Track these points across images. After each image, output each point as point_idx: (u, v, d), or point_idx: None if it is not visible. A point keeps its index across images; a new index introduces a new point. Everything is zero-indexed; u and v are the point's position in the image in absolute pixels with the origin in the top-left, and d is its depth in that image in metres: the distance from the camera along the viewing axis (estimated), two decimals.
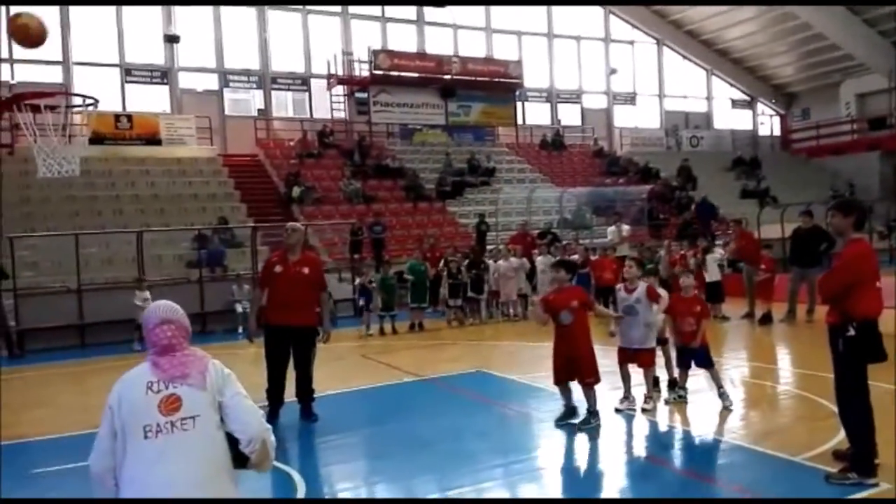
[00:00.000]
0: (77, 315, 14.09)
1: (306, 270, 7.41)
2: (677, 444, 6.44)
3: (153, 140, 22.60)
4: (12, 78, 22.11)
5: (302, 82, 26.49)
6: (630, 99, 32.73)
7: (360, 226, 18.04)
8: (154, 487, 2.63)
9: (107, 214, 18.87)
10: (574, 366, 6.55)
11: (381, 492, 5.48)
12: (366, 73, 25.36)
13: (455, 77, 26.39)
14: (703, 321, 7.04)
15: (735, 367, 9.19)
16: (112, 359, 12.05)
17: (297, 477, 5.61)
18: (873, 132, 32.14)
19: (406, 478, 5.64)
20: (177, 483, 2.64)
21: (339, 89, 26.02)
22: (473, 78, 26.80)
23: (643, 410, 7.04)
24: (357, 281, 12.77)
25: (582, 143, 30.27)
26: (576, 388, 6.68)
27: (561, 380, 6.69)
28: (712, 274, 12.73)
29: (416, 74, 26.10)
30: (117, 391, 2.85)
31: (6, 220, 17.38)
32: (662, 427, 6.86)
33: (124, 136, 22.30)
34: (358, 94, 25.98)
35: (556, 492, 5.38)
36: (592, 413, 6.55)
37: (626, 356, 7.11)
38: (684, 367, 7.24)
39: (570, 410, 6.71)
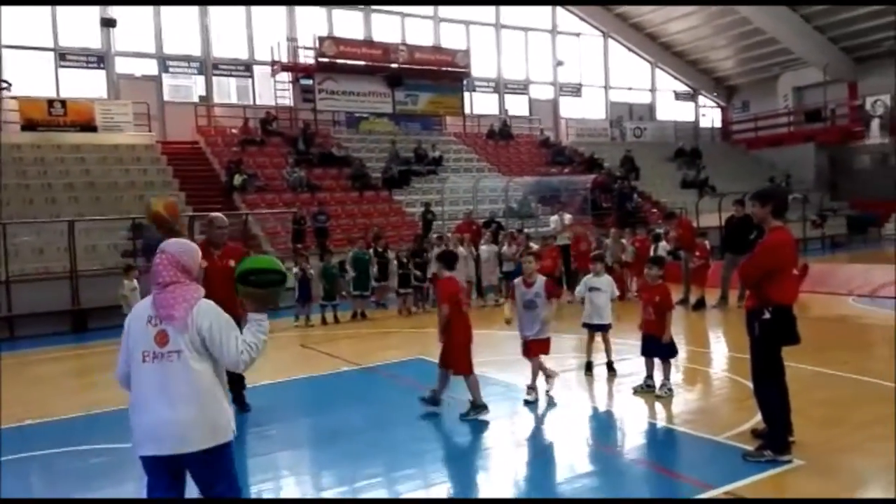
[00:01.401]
0: (5, 307, 13.58)
1: (232, 263, 7.17)
2: (600, 427, 6.56)
3: (88, 127, 21.88)
4: None
5: (245, 68, 25.98)
6: (576, 90, 33.06)
7: (303, 215, 17.82)
8: (149, 403, 3.37)
9: (39, 203, 18.19)
10: (446, 356, 6.70)
11: (289, 484, 5.46)
12: (311, 61, 25.02)
13: (402, 66, 26.23)
14: (667, 312, 7.09)
15: None
16: (41, 351, 11.72)
17: None
18: (809, 124, 33.23)
19: (316, 468, 5.69)
20: (158, 396, 3.35)
21: (284, 76, 25.62)
22: (421, 67, 26.68)
23: (525, 402, 7.01)
24: (295, 270, 12.59)
25: (529, 134, 30.48)
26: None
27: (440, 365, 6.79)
28: None
29: (362, 62, 25.84)
30: (130, 318, 3.52)
31: None
32: (589, 411, 6.97)
33: (58, 122, 21.54)
34: (303, 82, 25.63)
35: (465, 474, 5.39)
36: (476, 407, 6.55)
37: (525, 347, 7.20)
38: (647, 355, 7.26)
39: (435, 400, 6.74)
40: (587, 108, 33.23)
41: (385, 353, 9.87)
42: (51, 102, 21.62)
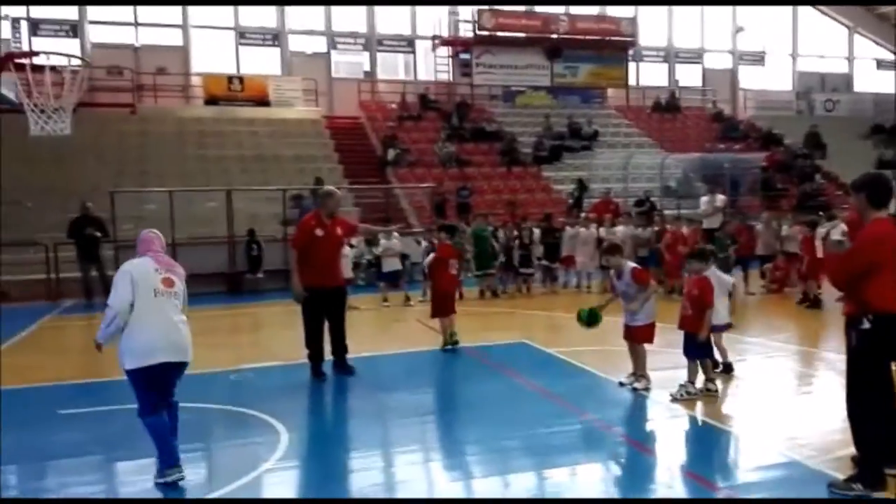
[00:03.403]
0: None
1: (339, 231, 7.58)
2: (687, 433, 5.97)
3: (262, 102, 23.49)
4: (136, 41, 23.67)
5: (408, 44, 26.54)
6: (758, 58, 30.37)
7: (442, 191, 17.98)
8: (157, 324, 4.70)
9: (214, 173, 19.84)
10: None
11: (342, 452, 5.58)
12: (470, 34, 25.03)
13: (562, 36, 25.53)
14: (706, 309, 6.40)
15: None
16: (200, 309, 12.78)
17: (282, 429, 5.84)
18: None
19: (373, 441, 5.76)
20: (170, 320, 4.74)
21: (444, 51, 25.87)
22: (583, 37, 25.82)
23: (620, 384, 6.78)
24: (424, 244, 12.71)
25: (700, 106, 28.52)
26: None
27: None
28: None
29: (521, 34, 25.46)
30: (131, 269, 4.78)
31: (125, 175, 18.78)
32: (682, 414, 6.37)
33: (236, 97, 23.32)
34: (462, 56, 25.73)
35: (515, 460, 5.10)
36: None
37: (627, 333, 6.79)
38: (686, 356, 6.59)
39: None
40: (771, 79, 30.42)
41: (491, 335, 9.73)
42: (230, 79, 23.44)
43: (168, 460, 4.74)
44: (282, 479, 4.97)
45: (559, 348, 8.49)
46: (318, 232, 7.52)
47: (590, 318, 6.86)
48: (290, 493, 4.83)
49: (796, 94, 29.91)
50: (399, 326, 10.71)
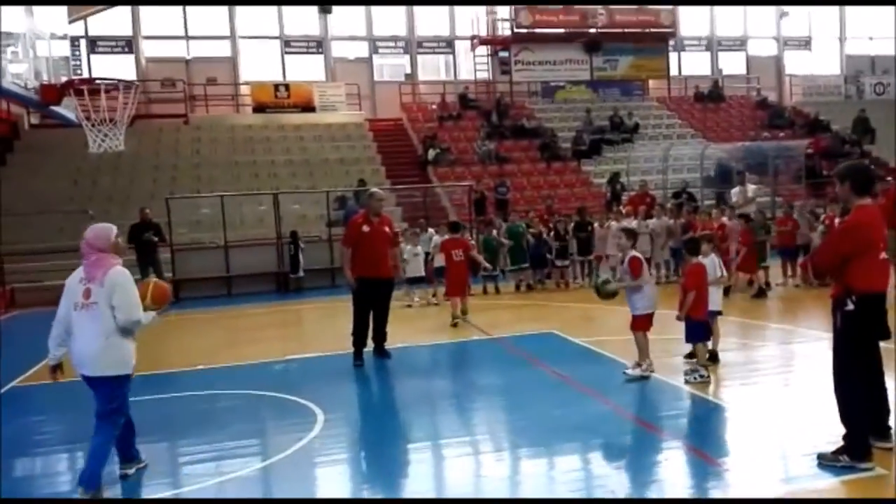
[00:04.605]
0: (224, 268, 15.81)
1: (387, 229, 8.33)
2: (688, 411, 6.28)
3: (308, 107, 24.28)
4: (188, 53, 24.75)
5: (447, 45, 27.01)
6: (804, 43, 29.84)
7: (479, 189, 18.42)
8: (76, 337, 4.67)
9: (263, 177, 20.70)
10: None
11: (371, 433, 6.11)
12: (508, 32, 25.35)
13: (601, 30, 25.62)
14: (688, 293, 6.76)
15: None
16: (250, 307, 13.53)
17: (318, 412, 6.39)
18: None
19: (398, 422, 6.39)
20: (86, 336, 4.64)
21: (483, 50, 26.25)
22: (621, 30, 25.86)
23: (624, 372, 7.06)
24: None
25: (744, 95, 28.21)
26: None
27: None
28: None
29: (559, 30, 25.67)
30: (69, 280, 4.79)
31: (180, 182, 19.79)
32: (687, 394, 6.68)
33: (282, 104, 24.18)
34: (501, 54, 26.06)
35: (536, 446, 5.51)
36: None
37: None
38: (688, 341, 6.98)
39: None
40: (818, 64, 29.85)
41: (522, 325, 10.12)
42: (276, 86, 24.30)
43: (85, 476, 4.61)
44: (314, 454, 5.50)
45: (586, 338, 8.85)
46: (365, 229, 8.26)
47: (600, 290, 7.18)
48: (321, 467, 5.35)
49: (844, 79, 29.26)
50: (430, 321, 11.18)
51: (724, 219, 12.72)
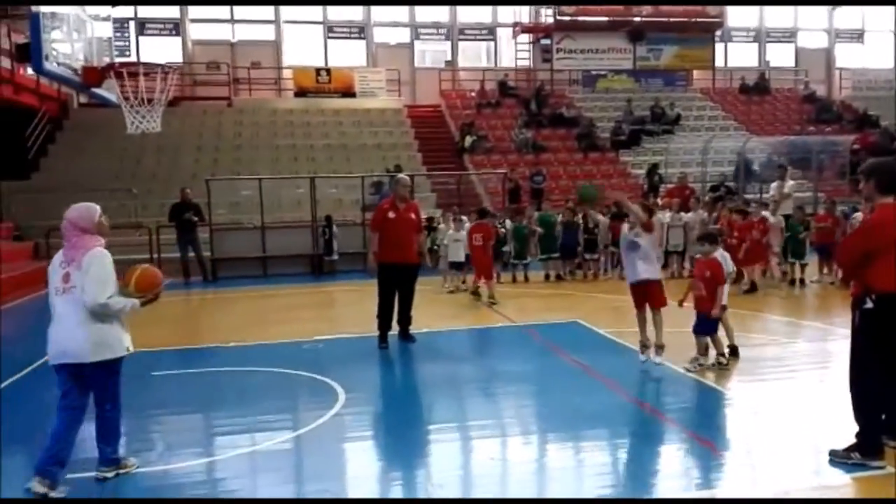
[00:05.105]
0: (261, 248, 16.13)
1: (412, 216, 8.45)
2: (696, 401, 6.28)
3: (348, 93, 24.53)
4: (233, 37, 25.16)
5: (489, 32, 26.94)
6: (857, 36, 28.99)
7: (513, 177, 18.40)
8: (57, 324, 4.49)
9: (301, 161, 21.00)
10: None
11: (389, 412, 6.31)
12: (551, 20, 25.18)
13: (645, 19, 25.28)
14: (718, 287, 6.75)
15: None
16: (284, 287, 13.82)
17: (340, 390, 6.58)
18: None
19: (416, 402, 6.66)
20: (69, 323, 4.44)
21: (525, 37, 26.13)
22: (666, 19, 25.49)
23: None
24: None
25: (791, 87, 27.57)
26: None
27: None
28: None
29: (603, 18, 25.40)
30: (50, 263, 4.63)
31: (221, 164, 20.20)
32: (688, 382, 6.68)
33: (324, 89, 24.47)
34: (542, 42, 25.92)
35: (545, 429, 5.59)
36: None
37: (634, 290, 7.10)
38: (695, 333, 6.99)
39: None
40: (871, 57, 28.99)
41: (547, 314, 10.15)
42: (318, 71, 24.58)
43: (42, 460, 4.38)
44: (333, 431, 5.66)
45: (609, 329, 8.87)
46: (391, 214, 8.35)
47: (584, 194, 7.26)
48: (339, 442, 5.52)
49: None
50: (455, 307, 11.28)
51: (766, 213, 12.51)
